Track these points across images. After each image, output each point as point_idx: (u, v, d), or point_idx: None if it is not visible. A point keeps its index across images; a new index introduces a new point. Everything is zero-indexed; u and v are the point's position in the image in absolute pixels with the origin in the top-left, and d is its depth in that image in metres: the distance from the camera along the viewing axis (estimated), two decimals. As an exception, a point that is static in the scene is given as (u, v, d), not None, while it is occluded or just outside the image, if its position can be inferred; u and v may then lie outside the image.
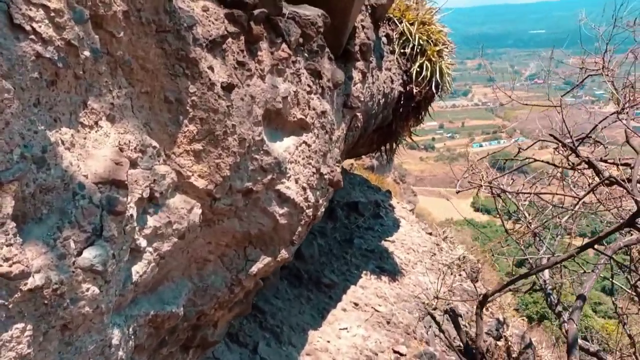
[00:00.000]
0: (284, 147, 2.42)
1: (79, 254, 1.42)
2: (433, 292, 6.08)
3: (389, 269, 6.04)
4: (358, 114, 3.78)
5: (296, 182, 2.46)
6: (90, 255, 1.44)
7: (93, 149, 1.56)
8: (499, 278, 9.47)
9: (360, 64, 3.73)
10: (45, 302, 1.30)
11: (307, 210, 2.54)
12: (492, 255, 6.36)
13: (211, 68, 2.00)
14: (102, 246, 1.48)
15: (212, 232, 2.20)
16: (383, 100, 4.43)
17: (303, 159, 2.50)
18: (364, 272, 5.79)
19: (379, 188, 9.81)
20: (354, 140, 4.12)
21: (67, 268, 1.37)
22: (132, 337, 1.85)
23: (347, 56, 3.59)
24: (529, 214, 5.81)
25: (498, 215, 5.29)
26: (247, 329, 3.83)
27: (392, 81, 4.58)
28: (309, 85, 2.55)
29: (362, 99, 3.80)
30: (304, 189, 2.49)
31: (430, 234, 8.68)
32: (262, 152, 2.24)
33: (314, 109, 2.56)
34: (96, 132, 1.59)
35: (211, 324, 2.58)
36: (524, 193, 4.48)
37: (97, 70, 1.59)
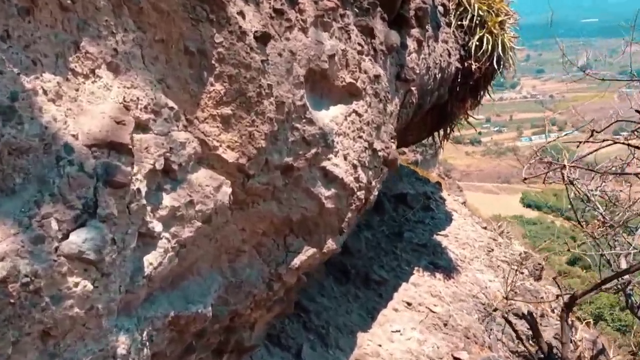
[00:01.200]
0: (330, 116, 2.02)
1: (64, 237, 1.07)
2: (492, 291, 5.54)
3: (443, 265, 5.54)
4: (413, 88, 3.32)
5: (345, 158, 2.06)
6: (78, 239, 1.08)
7: (88, 104, 1.21)
8: (562, 275, 8.74)
9: (415, 31, 3.28)
10: (12, 300, 0.96)
11: (357, 193, 2.13)
12: (555, 252, 5.76)
13: (242, 14, 1.61)
14: (96, 228, 1.12)
15: (245, 216, 1.83)
16: (440, 75, 3.95)
17: (353, 131, 2.09)
18: (416, 268, 5.32)
19: (427, 180, 9.27)
20: (408, 120, 3.67)
21: (45, 255, 1.02)
22: (147, 343, 1.50)
23: (401, 21, 3.14)
24: (603, 207, 5.18)
25: (570, 207, 4.69)
26: (289, 330, 3.47)
27: (449, 55, 4.09)
28: (359, 44, 2.14)
29: (418, 72, 3.34)
30: (354, 166, 2.08)
31: (485, 228, 8.07)
32: (304, 120, 1.84)
33: (365, 72, 2.15)
34: (93, 82, 1.24)
35: (247, 325, 2.22)
36: (613, 174, 3.88)
37: (92, 3, 1.24)
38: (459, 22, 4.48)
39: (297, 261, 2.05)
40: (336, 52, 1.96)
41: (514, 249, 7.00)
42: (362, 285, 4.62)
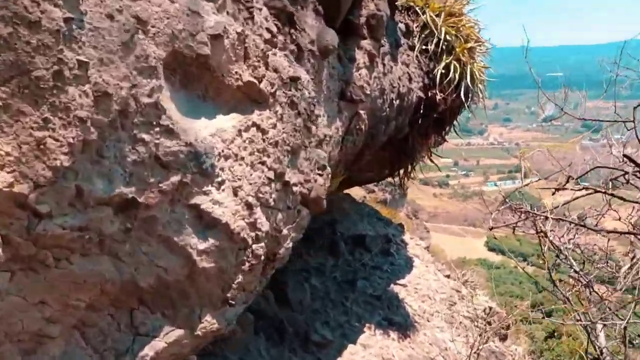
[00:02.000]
0: (214, 128, 1.34)
1: None
2: (453, 354, 4.85)
3: (399, 321, 4.84)
4: (362, 111, 2.70)
5: (235, 193, 1.37)
6: None
7: None
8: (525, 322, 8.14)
9: (367, 43, 2.68)
10: None
11: (254, 245, 1.43)
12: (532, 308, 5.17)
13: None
14: None
15: (44, 282, 1.09)
16: (398, 102, 3.36)
17: (251, 153, 1.42)
18: (368, 325, 4.60)
19: (390, 221, 8.65)
20: (357, 151, 3.03)
21: None
22: None
23: (349, 29, 2.54)
24: (577, 262, 4.64)
25: (543, 260, 4.10)
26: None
27: (409, 79, 3.52)
28: (269, 32, 1.49)
29: (369, 92, 2.73)
30: (249, 206, 1.39)
31: (449, 276, 7.44)
32: (158, 129, 1.16)
33: (275, 71, 1.49)
34: None
35: None
36: (609, 232, 3.32)
37: None
38: (424, 47, 3.95)
39: (150, 351, 1.31)
40: (225, 32, 1.29)
41: (478, 302, 6.37)
42: (300, 348, 3.86)
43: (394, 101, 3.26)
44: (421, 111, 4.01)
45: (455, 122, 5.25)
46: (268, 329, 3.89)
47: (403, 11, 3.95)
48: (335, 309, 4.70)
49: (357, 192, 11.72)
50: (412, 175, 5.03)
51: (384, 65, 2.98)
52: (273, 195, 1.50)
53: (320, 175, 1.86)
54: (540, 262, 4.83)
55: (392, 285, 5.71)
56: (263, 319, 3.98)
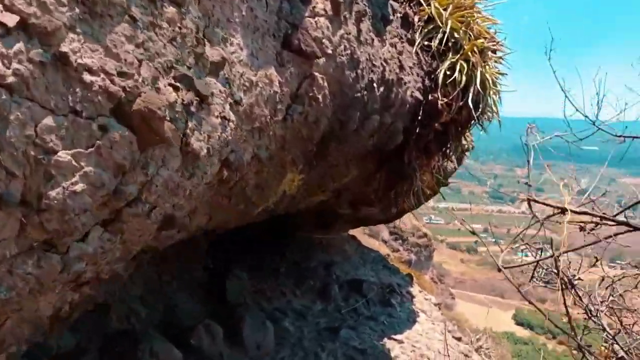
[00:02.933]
0: None
1: None
2: None
3: (383, 383, 3.91)
4: (318, 74, 2.02)
5: None
6: None
7: None
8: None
9: (329, -13, 2.04)
10: None
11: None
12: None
13: None
14: None
15: None
16: (382, 90, 2.67)
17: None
18: (343, 383, 3.70)
19: (397, 270, 7.74)
20: (318, 138, 2.32)
21: None
22: None
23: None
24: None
25: (567, 320, 3.19)
26: None
27: (400, 67, 2.84)
28: None
29: (330, 52, 2.06)
30: None
31: (460, 339, 6.40)
32: None
33: None
34: None
35: None
36: None
37: None
38: (426, 42, 3.30)
39: None
40: None
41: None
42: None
43: (374, 85, 2.57)
44: (419, 117, 3.30)
45: (465, 143, 4.52)
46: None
47: (404, 1, 3.35)
48: (305, 360, 3.83)
49: (382, 250, 10.77)
50: (411, 202, 4.21)
51: (358, 30, 2.32)
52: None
53: (176, 89, 1.17)
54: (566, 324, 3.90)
55: (385, 339, 4.79)
56: (202, 359, 3.16)
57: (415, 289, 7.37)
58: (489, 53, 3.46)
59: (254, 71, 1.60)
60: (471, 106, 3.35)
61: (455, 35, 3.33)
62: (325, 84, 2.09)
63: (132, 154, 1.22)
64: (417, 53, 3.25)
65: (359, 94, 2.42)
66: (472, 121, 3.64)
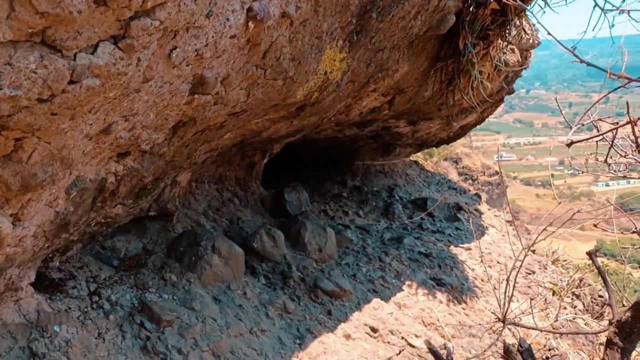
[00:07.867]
0: None
1: None
2: (522, 329, 3.74)
3: (449, 282, 3.84)
4: None
5: None
6: None
7: None
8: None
9: None
10: None
11: None
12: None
13: None
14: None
15: None
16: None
17: None
18: (408, 283, 3.67)
19: (465, 190, 7.50)
20: (356, 14, 2.16)
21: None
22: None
23: None
24: None
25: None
26: None
27: None
28: None
29: None
30: None
31: (534, 251, 6.17)
32: None
33: None
34: None
35: None
36: None
37: None
38: None
39: None
40: None
41: (567, 276, 5.09)
42: (305, 295, 3.04)
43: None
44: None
45: (529, 36, 4.16)
46: (269, 271, 3.14)
47: None
48: (369, 264, 3.82)
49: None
50: (472, 99, 3.88)
51: None
52: None
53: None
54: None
55: (451, 247, 4.69)
56: (265, 260, 3.22)
57: (484, 207, 7.14)
58: None
59: None
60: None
61: None
62: None
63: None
64: None
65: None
66: (531, -3, 3.29)
